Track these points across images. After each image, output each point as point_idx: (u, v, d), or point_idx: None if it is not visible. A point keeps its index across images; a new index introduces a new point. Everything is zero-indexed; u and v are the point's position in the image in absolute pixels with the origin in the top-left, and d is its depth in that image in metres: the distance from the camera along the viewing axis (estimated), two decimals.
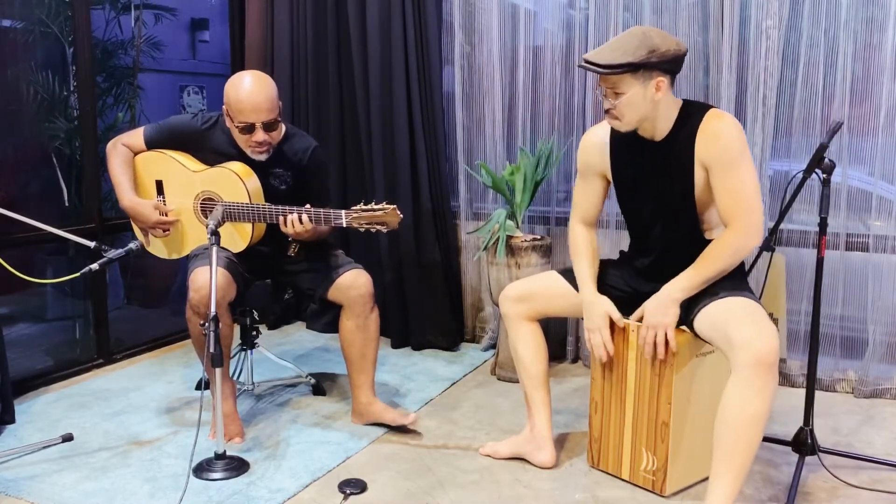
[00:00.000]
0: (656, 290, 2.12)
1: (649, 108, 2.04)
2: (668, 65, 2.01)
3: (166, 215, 2.66)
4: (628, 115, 2.05)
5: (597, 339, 2.24)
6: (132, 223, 2.73)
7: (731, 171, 2.00)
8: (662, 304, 2.08)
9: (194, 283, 2.42)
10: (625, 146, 2.19)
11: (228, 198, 2.56)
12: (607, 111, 2.08)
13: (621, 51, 1.98)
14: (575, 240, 2.35)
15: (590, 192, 2.33)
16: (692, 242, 2.11)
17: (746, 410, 1.86)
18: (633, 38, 1.99)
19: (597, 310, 2.23)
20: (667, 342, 2.08)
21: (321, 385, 3.05)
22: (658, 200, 2.15)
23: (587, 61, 2.02)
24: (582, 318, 2.32)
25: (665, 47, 1.98)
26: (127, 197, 2.64)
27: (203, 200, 2.63)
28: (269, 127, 2.51)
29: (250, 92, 2.46)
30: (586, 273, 2.28)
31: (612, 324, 2.24)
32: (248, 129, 2.50)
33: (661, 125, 2.09)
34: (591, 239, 2.35)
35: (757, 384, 1.85)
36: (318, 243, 2.70)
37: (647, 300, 2.13)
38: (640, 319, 2.15)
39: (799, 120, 2.95)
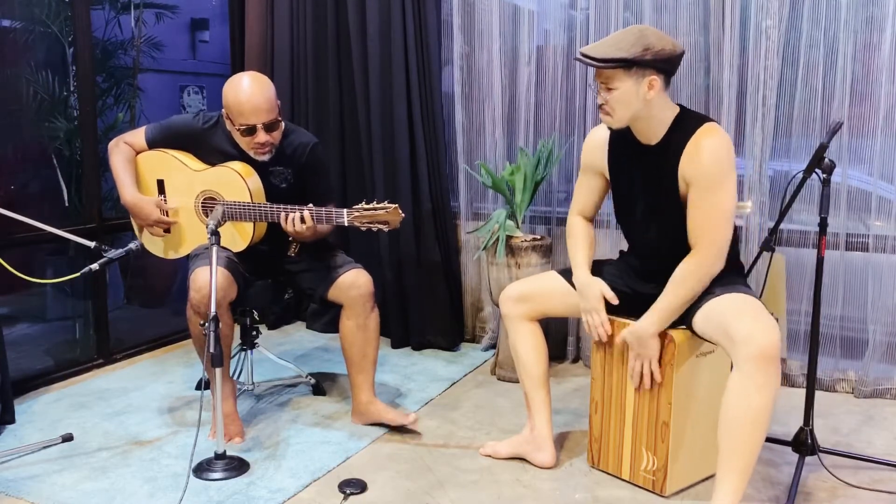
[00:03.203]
0: (654, 290, 2.12)
1: (641, 106, 2.04)
2: (663, 64, 2.01)
3: (167, 214, 2.67)
4: (619, 111, 2.06)
5: (594, 319, 2.25)
6: (131, 219, 2.73)
7: (710, 192, 2.00)
8: (641, 340, 2.12)
9: (195, 282, 2.42)
10: (622, 148, 2.20)
11: (230, 197, 2.56)
12: (600, 106, 2.09)
13: (616, 46, 1.99)
14: (572, 228, 2.38)
15: (589, 189, 2.36)
16: (685, 244, 2.11)
17: (749, 406, 1.86)
18: (630, 35, 2.00)
19: (591, 291, 2.24)
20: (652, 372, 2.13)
21: (321, 385, 3.05)
22: (650, 204, 2.16)
23: (583, 54, 2.03)
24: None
25: (660, 46, 1.99)
26: (129, 193, 2.64)
27: (204, 200, 2.63)
28: (270, 127, 2.51)
29: (249, 94, 2.46)
30: (581, 257, 2.32)
31: (609, 306, 2.25)
32: (250, 130, 2.49)
33: (655, 128, 2.09)
34: (588, 228, 2.38)
35: (759, 378, 1.85)
36: (318, 243, 2.70)
37: (625, 330, 2.17)
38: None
39: (799, 120, 2.95)
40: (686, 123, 2.06)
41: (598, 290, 2.24)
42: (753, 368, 1.85)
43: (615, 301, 2.23)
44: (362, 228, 2.39)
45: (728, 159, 2.00)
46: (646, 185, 2.15)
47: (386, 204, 2.37)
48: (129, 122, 4.21)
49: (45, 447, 2.51)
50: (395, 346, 3.64)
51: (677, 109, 2.10)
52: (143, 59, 4.36)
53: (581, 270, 2.29)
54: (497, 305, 3.24)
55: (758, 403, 1.85)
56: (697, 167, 2.00)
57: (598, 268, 2.34)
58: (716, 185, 1.99)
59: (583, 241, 2.35)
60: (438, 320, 3.59)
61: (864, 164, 2.90)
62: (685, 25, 3.04)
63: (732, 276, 2.11)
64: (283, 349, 3.63)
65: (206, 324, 2.18)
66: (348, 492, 2.22)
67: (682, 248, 2.10)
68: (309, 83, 3.78)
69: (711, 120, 2.07)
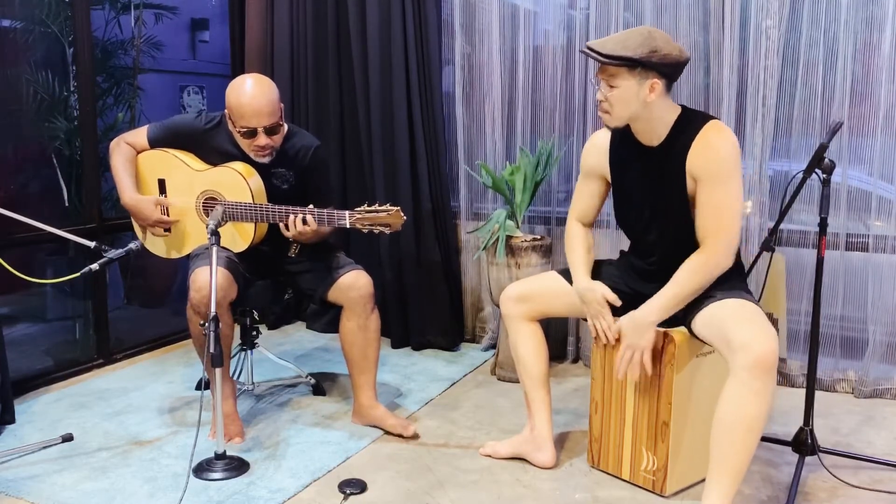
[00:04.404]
0: (655, 290, 2.12)
1: (640, 107, 2.04)
2: (667, 68, 2.01)
3: (167, 210, 2.67)
4: (618, 110, 2.06)
5: (601, 324, 2.23)
6: (132, 220, 2.73)
7: (718, 187, 2.00)
8: (639, 328, 2.10)
9: (195, 282, 2.42)
10: (623, 150, 2.20)
11: (231, 197, 2.56)
12: (599, 103, 2.09)
13: (623, 44, 1.99)
14: (570, 234, 2.37)
15: (589, 193, 2.35)
16: (688, 246, 2.11)
17: (744, 412, 1.86)
18: (638, 36, 2.00)
19: (593, 295, 2.23)
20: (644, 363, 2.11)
21: (321, 385, 3.05)
22: (653, 205, 2.15)
23: (589, 48, 2.03)
24: (583, 319, 2.32)
25: (667, 50, 1.99)
26: (128, 194, 2.64)
27: (206, 200, 2.63)
28: (271, 131, 2.51)
29: (251, 96, 2.45)
30: (580, 262, 2.31)
31: (612, 308, 2.24)
32: (251, 133, 2.49)
33: (657, 129, 2.09)
34: (587, 235, 2.37)
35: (755, 386, 1.85)
36: (318, 243, 2.70)
37: (623, 317, 2.15)
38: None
39: (799, 120, 2.95)
40: (690, 123, 2.06)
41: (600, 293, 2.22)
42: (750, 376, 1.85)
43: (618, 303, 2.22)
44: (364, 231, 2.38)
45: (735, 155, 2.00)
46: (648, 186, 2.14)
47: (388, 206, 2.36)
48: (129, 122, 4.20)
49: (45, 447, 2.51)
50: (395, 346, 3.64)
51: (679, 110, 2.09)
52: (143, 59, 4.36)
53: (580, 276, 2.28)
54: (497, 305, 3.25)
55: (754, 411, 1.85)
56: (706, 163, 2.00)
57: (598, 268, 2.34)
58: (724, 180, 1.99)
59: (581, 248, 2.34)
60: (438, 320, 3.59)
61: (864, 164, 2.90)
62: (685, 25, 3.04)
63: (734, 279, 2.11)
64: (283, 349, 3.63)
65: (206, 324, 2.18)
66: (348, 492, 2.22)
67: (684, 248, 2.10)
68: (309, 83, 3.78)
69: (714, 118, 2.07)
